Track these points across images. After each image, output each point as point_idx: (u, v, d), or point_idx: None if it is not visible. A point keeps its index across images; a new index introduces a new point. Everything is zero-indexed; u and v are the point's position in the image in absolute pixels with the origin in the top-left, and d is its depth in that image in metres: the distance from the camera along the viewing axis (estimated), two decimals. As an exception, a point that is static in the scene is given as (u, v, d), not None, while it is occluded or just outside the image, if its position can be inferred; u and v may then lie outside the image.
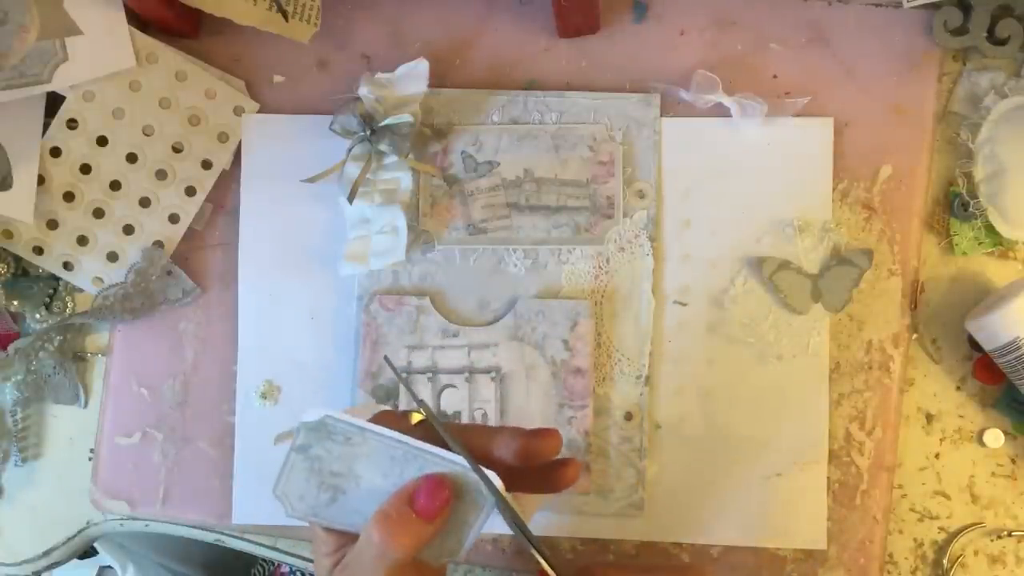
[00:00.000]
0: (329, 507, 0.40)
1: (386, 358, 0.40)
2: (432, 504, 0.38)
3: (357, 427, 0.39)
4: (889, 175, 0.59)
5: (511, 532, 0.39)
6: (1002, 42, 0.57)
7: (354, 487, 0.40)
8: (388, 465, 0.39)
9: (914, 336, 0.59)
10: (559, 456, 0.42)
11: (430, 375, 0.58)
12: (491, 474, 0.38)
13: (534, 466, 0.42)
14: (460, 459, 0.39)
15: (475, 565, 0.60)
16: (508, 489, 0.39)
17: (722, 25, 0.60)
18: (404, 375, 0.39)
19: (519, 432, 0.41)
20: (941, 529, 0.59)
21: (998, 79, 0.58)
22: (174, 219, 0.60)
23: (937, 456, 0.59)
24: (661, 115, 0.59)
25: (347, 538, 0.41)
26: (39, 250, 0.60)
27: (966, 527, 0.59)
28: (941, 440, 0.59)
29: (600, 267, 0.59)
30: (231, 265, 0.61)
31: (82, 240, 0.60)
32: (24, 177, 0.57)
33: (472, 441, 0.41)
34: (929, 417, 0.59)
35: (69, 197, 0.59)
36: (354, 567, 0.39)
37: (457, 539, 0.40)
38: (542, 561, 0.39)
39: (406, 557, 0.38)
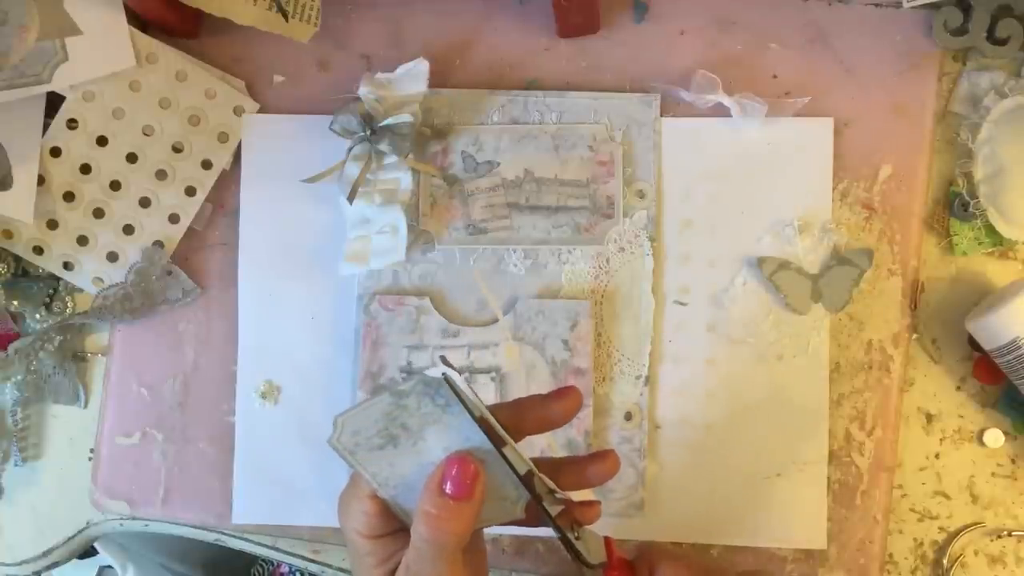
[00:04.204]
0: (371, 452, 0.39)
1: (443, 358, 0.40)
2: (463, 483, 0.38)
3: (466, 403, 0.39)
4: (889, 175, 0.59)
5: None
6: (1002, 42, 0.57)
7: (408, 446, 0.39)
8: (458, 445, 0.39)
9: (914, 336, 0.59)
10: (596, 450, 0.43)
11: (430, 375, 0.58)
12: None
13: (573, 463, 0.43)
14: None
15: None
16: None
17: (722, 25, 0.60)
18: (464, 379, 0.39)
19: (540, 398, 0.43)
20: (941, 529, 0.59)
21: (998, 79, 0.58)
22: (174, 219, 0.60)
23: (937, 456, 0.59)
24: (661, 115, 0.59)
25: (396, 546, 0.41)
26: (39, 250, 0.60)
27: (966, 527, 0.59)
28: (941, 440, 0.59)
29: (600, 267, 0.59)
30: (231, 265, 0.61)
31: (82, 240, 0.60)
32: (24, 177, 0.57)
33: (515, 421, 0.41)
34: (929, 417, 0.59)
35: (69, 197, 0.59)
36: (417, 568, 0.39)
37: (511, 494, 0.40)
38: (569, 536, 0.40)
39: (462, 540, 0.39)
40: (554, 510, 0.40)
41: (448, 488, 0.38)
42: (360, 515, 0.41)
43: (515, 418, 0.42)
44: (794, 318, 0.58)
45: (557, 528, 0.40)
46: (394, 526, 0.41)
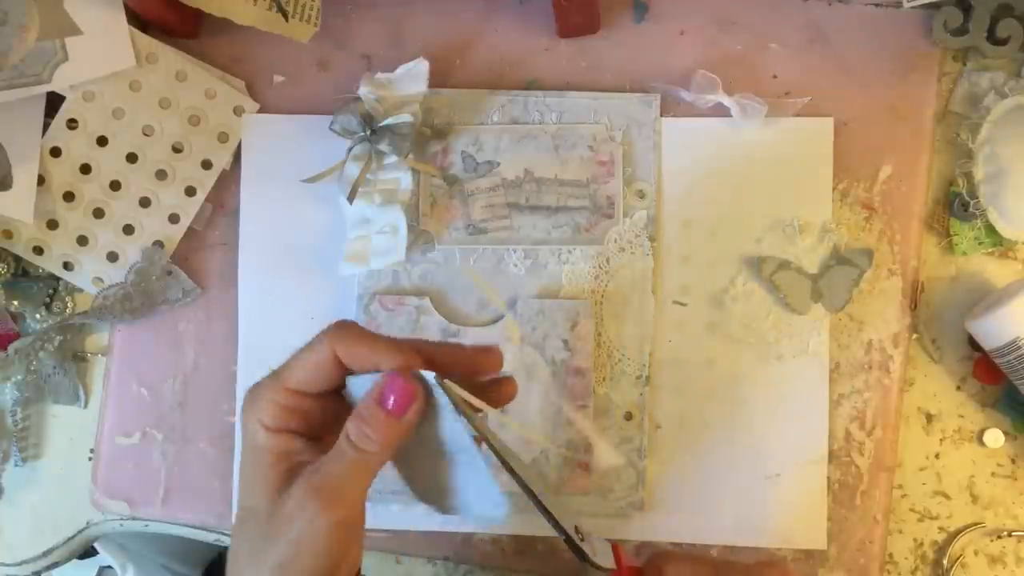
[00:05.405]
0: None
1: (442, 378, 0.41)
2: (402, 400, 0.38)
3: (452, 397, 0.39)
4: (889, 175, 0.59)
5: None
6: (1002, 42, 0.57)
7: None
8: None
9: (914, 336, 0.59)
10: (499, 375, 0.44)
11: (430, 375, 0.58)
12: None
13: (475, 383, 0.43)
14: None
15: (474, 565, 0.60)
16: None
17: (722, 25, 0.60)
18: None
19: (464, 348, 0.43)
20: (941, 529, 0.59)
21: (998, 79, 0.58)
22: (174, 219, 0.60)
23: (937, 456, 0.59)
24: (661, 115, 0.59)
25: (295, 446, 0.40)
26: (39, 250, 0.60)
27: (966, 527, 0.59)
28: (941, 440, 0.59)
29: (600, 267, 0.59)
30: (231, 265, 0.61)
31: (82, 240, 0.60)
32: (24, 177, 0.57)
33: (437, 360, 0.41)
34: (929, 417, 0.59)
35: (69, 197, 0.59)
36: (327, 470, 0.39)
37: (437, 479, 0.41)
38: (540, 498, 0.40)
39: (381, 454, 0.39)
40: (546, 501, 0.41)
41: (388, 399, 0.39)
42: (269, 404, 0.40)
43: (442, 355, 0.42)
44: (794, 318, 0.58)
45: (560, 530, 0.40)
46: (298, 425, 0.41)
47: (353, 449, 0.39)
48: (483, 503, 0.41)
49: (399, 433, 0.39)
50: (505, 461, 0.40)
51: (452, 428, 0.40)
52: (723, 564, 0.44)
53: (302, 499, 0.38)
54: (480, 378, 0.43)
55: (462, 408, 0.39)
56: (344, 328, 0.41)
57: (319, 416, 0.41)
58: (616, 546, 0.43)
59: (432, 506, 0.43)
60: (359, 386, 0.40)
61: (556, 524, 0.40)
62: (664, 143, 0.59)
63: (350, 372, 0.40)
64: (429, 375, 0.39)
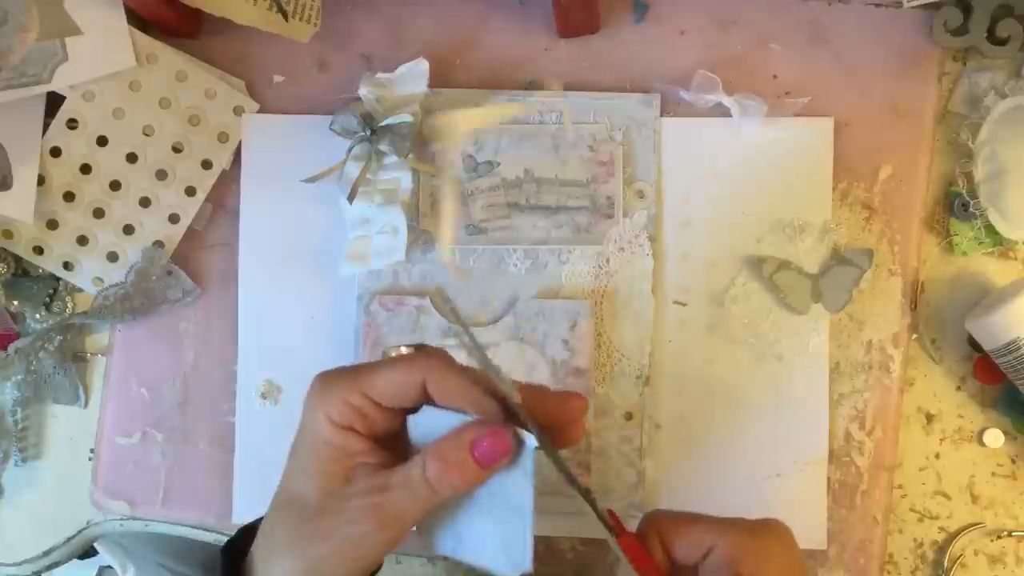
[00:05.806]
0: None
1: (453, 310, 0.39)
2: (493, 453, 0.38)
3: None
4: (889, 175, 0.59)
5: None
6: (1002, 42, 0.57)
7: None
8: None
9: (914, 336, 0.59)
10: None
11: (430, 375, 0.58)
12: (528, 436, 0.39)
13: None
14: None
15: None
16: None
17: (722, 25, 0.60)
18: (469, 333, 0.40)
19: (549, 394, 0.42)
20: (941, 529, 0.59)
21: (998, 79, 0.58)
22: (174, 219, 0.60)
23: (937, 456, 0.59)
24: (661, 115, 0.59)
25: (357, 447, 0.40)
26: (39, 250, 0.60)
27: (966, 527, 0.59)
28: (941, 440, 0.59)
29: (600, 267, 0.59)
30: (231, 265, 0.61)
31: (82, 240, 0.60)
32: (24, 177, 0.57)
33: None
34: (929, 417, 0.59)
35: (69, 197, 0.59)
36: (394, 494, 0.39)
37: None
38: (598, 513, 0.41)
39: (452, 495, 0.39)
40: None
41: (479, 447, 0.38)
42: (341, 402, 0.40)
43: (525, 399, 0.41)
44: (794, 318, 0.58)
45: (582, 490, 0.40)
46: (362, 428, 0.41)
47: (426, 486, 0.39)
48: (505, 560, 0.40)
49: (477, 481, 0.39)
50: (589, 499, 0.40)
51: (518, 488, 0.39)
52: (726, 522, 0.44)
53: (362, 511, 0.39)
54: (559, 425, 0.42)
55: (564, 471, 0.39)
56: (436, 359, 0.40)
57: (383, 424, 0.41)
58: (611, 511, 0.43)
59: (425, 538, 0.43)
60: (430, 419, 0.40)
61: (576, 484, 0.40)
62: (664, 143, 0.59)
63: (430, 400, 0.40)
64: (531, 441, 0.38)
